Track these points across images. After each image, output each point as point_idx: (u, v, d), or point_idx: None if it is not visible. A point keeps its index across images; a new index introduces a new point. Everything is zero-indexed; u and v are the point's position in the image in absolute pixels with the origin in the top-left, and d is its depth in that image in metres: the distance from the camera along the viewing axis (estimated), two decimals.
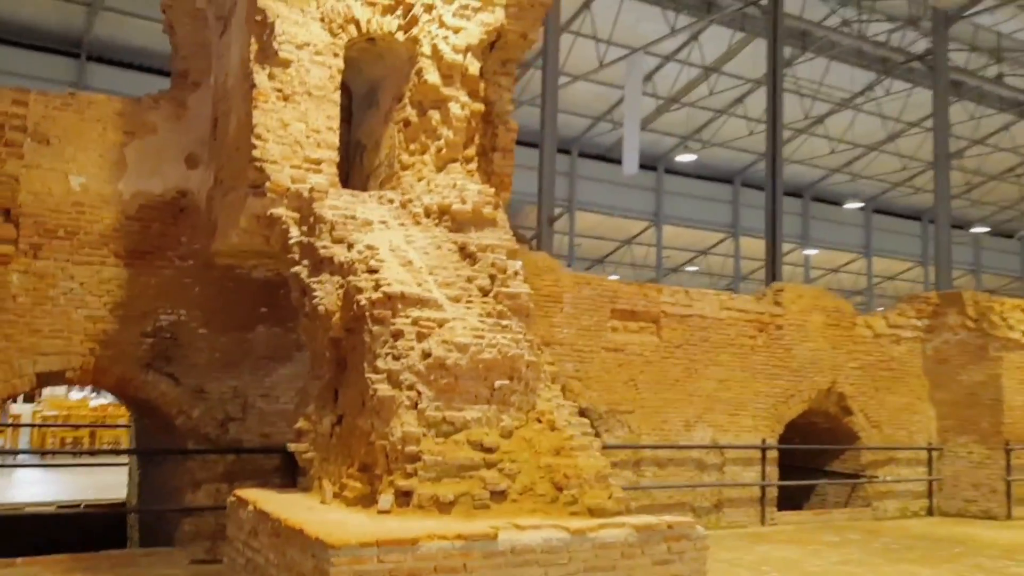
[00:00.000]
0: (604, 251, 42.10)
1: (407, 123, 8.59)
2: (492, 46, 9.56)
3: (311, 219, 7.71)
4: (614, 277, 41.87)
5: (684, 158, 36.05)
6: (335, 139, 8.15)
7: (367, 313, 7.10)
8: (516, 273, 7.92)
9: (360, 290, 7.22)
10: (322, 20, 8.20)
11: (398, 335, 7.02)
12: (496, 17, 8.76)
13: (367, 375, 6.97)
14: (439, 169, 8.49)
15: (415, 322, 7.10)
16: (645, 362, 11.75)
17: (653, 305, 11.91)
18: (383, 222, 7.98)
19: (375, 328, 7.06)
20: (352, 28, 8.37)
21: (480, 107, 8.72)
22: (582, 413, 11.13)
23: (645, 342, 11.81)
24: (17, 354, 8.09)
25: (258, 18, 8.00)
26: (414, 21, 8.51)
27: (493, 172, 9.68)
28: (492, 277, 7.80)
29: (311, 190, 7.77)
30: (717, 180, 40.35)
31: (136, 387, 8.76)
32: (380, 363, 6.97)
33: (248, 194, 7.83)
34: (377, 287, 7.15)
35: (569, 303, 11.25)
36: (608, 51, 31.76)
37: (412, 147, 8.54)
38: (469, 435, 6.90)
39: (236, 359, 9.05)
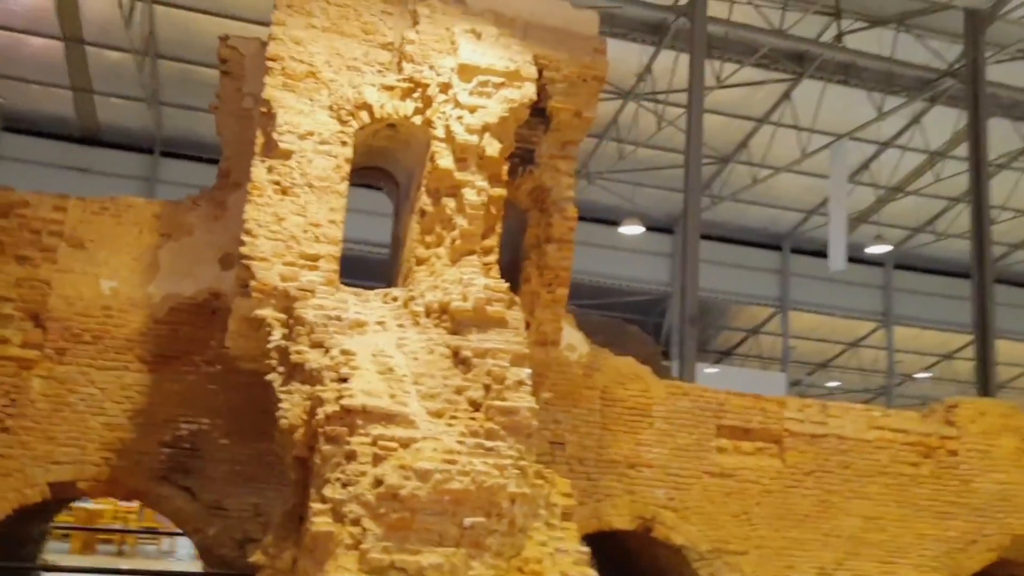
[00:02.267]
0: (826, 354, 38.31)
1: (423, 213, 7.74)
2: (546, 128, 8.59)
3: (291, 321, 6.98)
4: (835, 383, 37.86)
5: (876, 249, 31.98)
6: (337, 233, 7.45)
7: (320, 429, 6.15)
8: (519, 383, 6.66)
9: (322, 402, 6.31)
10: (331, 108, 7.66)
11: (351, 457, 6.00)
12: (524, 93, 7.78)
13: (311, 504, 5.97)
14: (454, 262, 7.50)
15: (374, 441, 6.05)
16: (763, 491, 9.71)
17: (774, 421, 9.92)
18: (380, 323, 7.08)
19: (326, 448, 6.09)
20: (364, 114, 7.74)
21: (501, 192, 7.69)
22: (676, 552, 9.34)
23: (763, 467, 9.80)
24: (31, 462, 7.96)
25: (263, 110, 7.60)
26: (428, 102, 7.74)
27: (547, 266, 8.54)
28: (487, 388, 6.59)
29: (298, 289, 7.07)
30: (955, 275, 35.73)
31: (151, 500, 8.35)
32: (327, 490, 5.97)
33: (237, 294, 7.27)
34: (339, 399, 6.20)
35: (661, 417, 9.61)
36: (812, 139, 29.46)
37: (428, 239, 7.65)
38: None
39: (258, 473, 8.40)
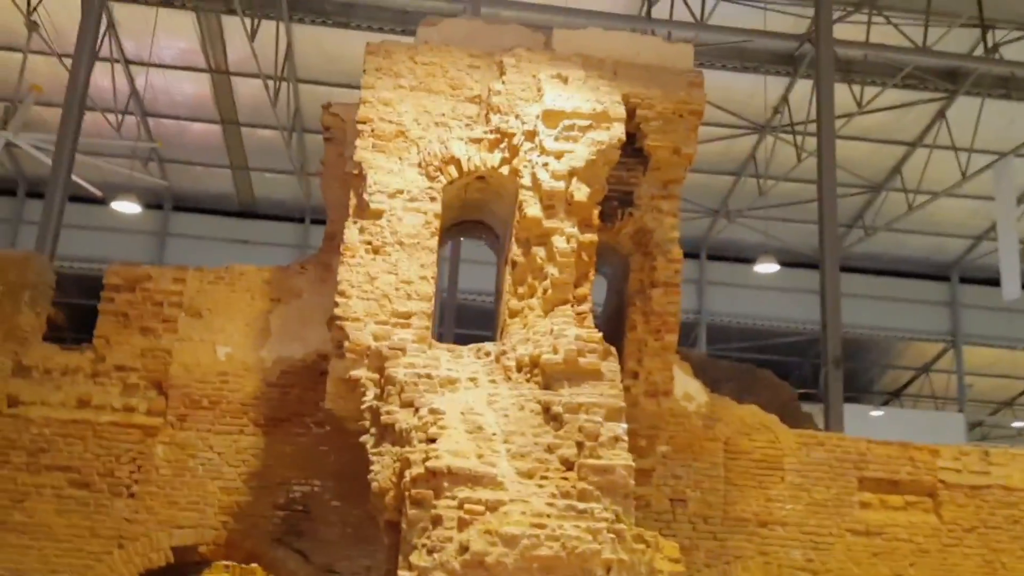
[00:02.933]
0: (1009, 392, 35.01)
1: (514, 264, 7.56)
2: (645, 168, 8.28)
3: (383, 380, 6.91)
4: (1019, 424, 34.34)
5: None
6: (429, 289, 7.37)
7: (407, 492, 5.99)
8: (615, 439, 6.28)
9: (410, 463, 6.16)
10: (419, 165, 7.65)
11: (437, 521, 5.79)
12: (612, 134, 7.50)
13: (399, 571, 5.79)
14: (547, 313, 7.25)
15: (460, 504, 5.82)
16: (917, 551, 8.71)
17: (926, 472, 8.92)
18: (472, 379, 6.91)
19: (412, 512, 5.92)
20: (452, 169, 7.69)
21: (592, 238, 7.39)
22: None
23: (916, 523, 8.80)
24: (155, 527, 8.22)
25: (355, 172, 7.69)
26: (515, 151, 7.60)
27: (652, 311, 8.15)
28: (579, 445, 6.24)
29: (389, 348, 7.01)
30: None
31: (266, 564, 8.42)
32: (414, 557, 5.78)
33: (333, 355, 7.29)
34: (425, 460, 6.03)
35: (794, 470, 8.84)
36: (973, 159, 27.42)
37: (520, 290, 7.44)
38: None
39: (370, 535, 8.30)
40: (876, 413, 30.79)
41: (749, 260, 30.63)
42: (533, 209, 7.40)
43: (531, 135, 7.60)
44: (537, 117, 7.59)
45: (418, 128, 7.74)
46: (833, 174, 15.83)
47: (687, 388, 8.90)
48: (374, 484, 6.45)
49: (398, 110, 7.77)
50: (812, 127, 26.46)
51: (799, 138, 27.06)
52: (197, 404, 8.57)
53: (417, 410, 6.51)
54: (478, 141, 7.76)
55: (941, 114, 26.18)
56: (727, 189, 28.79)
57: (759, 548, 8.60)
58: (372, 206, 7.47)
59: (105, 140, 24.45)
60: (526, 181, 7.49)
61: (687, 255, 33.60)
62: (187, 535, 8.25)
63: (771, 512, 8.73)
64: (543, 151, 7.49)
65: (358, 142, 7.67)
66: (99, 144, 24.13)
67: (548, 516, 5.75)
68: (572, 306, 7.19)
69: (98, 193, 24.83)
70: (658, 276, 8.16)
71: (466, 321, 23.51)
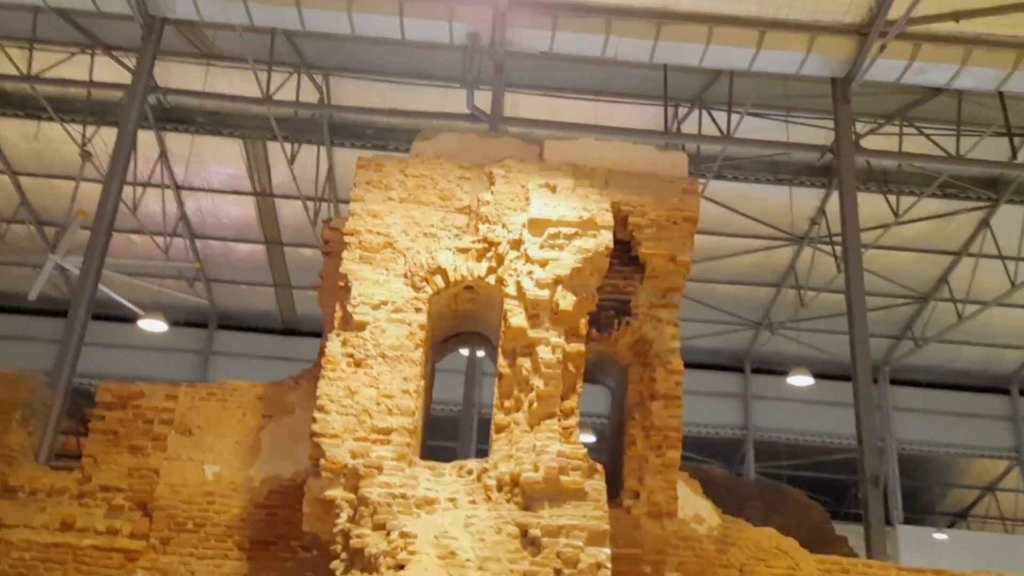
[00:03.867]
0: None
1: (500, 376, 7.27)
2: (642, 277, 8.05)
3: (357, 501, 6.57)
4: None
5: None
6: (411, 403, 7.10)
7: None
8: (597, 566, 5.84)
9: None
10: (405, 276, 7.53)
11: None
12: (599, 242, 7.32)
13: None
14: (533, 427, 6.90)
15: None
16: None
17: None
18: (452, 499, 6.54)
19: None
20: (438, 279, 7.55)
21: (579, 348, 7.10)
22: None
23: None
24: None
25: (341, 284, 7.59)
26: (501, 260, 7.44)
27: (652, 426, 7.74)
28: (557, 573, 5.78)
29: (365, 466, 6.70)
30: None
31: None
32: None
33: (311, 474, 7.00)
34: None
35: None
36: (1020, 267, 26.62)
37: (507, 404, 7.14)
38: None
39: None
40: (940, 536, 28.98)
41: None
42: (518, 319, 7.18)
43: (517, 244, 7.47)
44: (523, 226, 7.47)
45: (406, 239, 7.67)
46: (861, 283, 15.39)
47: (697, 509, 8.35)
48: None
49: (386, 221, 7.73)
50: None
51: (838, 248, 26.68)
52: (182, 526, 8.28)
53: (388, 533, 6.15)
54: (465, 251, 7.64)
55: (985, 222, 25.65)
56: (768, 301, 28.29)
57: None
58: (356, 318, 7.33)
59: (147, 260, 25.20)
60: (511, 290, 7.31)
61: (731, 369, 32.86)
62: None
63: None
64: (528, 259, 7.33)
65: (345, 254, 7.61)
66: (147, 265, 24.89)
67: None
68: (559, 420, 6.84)
69: (140, 312, 25.38)
70: (658, 388, 7.79)
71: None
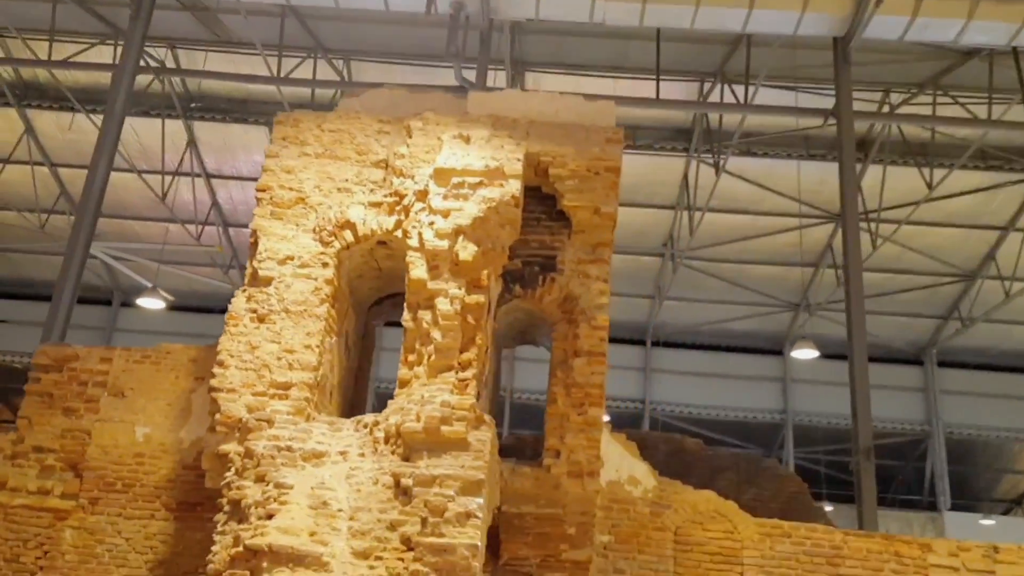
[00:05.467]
0: None
1: (406, 331, 7.07)
2: (571, 232, 7.77)
3: (244, 454, 6.46)
4: None
5: None
6: (313, 358, 6.97)
7: (225, 573, 5.45)
8: (467, 515, 5.63)
9: (238, 542, 5.64)
10: (314, 231, 7.38)
11: None
12: (505, 191, 7.06)
13: None
14: (431, 380, 6.68)
15: None
16: None
17: (915, 570, 7.63)
18: (342, 453, 6.38)
19: None
20: (347, 234, 7.38)
21: (479, 300, 6.85)
22: None
23: None
24: None
25: (252, 240, 7.48)
26: (406, 212, 7.23)
27: (574, 383, 7.46)
28: (423, 521, 5.58)
29: (256, 420, 6.59)
30: None
31: None
32: None
33: (208, 430, 6.93)
34: (250, 538, 5.51)
35: (755, 565, 7.74)
36: None
37: (410, 358, 6.94)
38: None
39: None
40: (986, 522, 27.78)
41: (835, 356, 28.76)
42: (418, 271, 6.97)
43: (422, 195, 7.26)
44: (429, 176, 7.26)
45: (319, 194, 7.53)
46: (858, 253, 14.69)
47: (633, 471, 8.05)
48: (210, 567, 5.93)
49: (299, 177, 7.60)
50: (887, 214, 25.21)
51: (875, 224, 25.71)
52: (111, 487, 8.31)
53: (267, 485, 6.03)
54: (377, 205, 7.47)
55: None
56: (806, 281, 27.43)
57: None
58: (261, 273, 7.22)
59: (175, 246, 25.63)
60: (414, 242, 7.10)
61: (769, 352, 31.84)
62: None
63: None
64: (432, 210, 7.11)
65: (256, 210, 7.51)
66: (177, 251, 25.32)
67: None
68: (456, 372, 6.62)
69: (170, 298, 25.83)
70: (581, 345, 7.50)
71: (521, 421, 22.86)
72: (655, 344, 29.88)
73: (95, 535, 8.17)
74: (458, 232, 6.98)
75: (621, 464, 8.03)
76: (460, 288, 6.82)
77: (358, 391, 7.94)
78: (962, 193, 24.33)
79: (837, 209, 25.48)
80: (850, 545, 7.79)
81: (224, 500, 6.48)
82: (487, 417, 6.35)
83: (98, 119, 21.32)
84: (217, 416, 6.82)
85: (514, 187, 7.15)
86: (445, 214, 7.05)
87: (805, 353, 23.62)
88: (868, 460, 11.96)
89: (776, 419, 30.11)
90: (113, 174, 23.73)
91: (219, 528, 6.24)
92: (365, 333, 8.48)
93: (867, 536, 7.89)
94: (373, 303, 8.27)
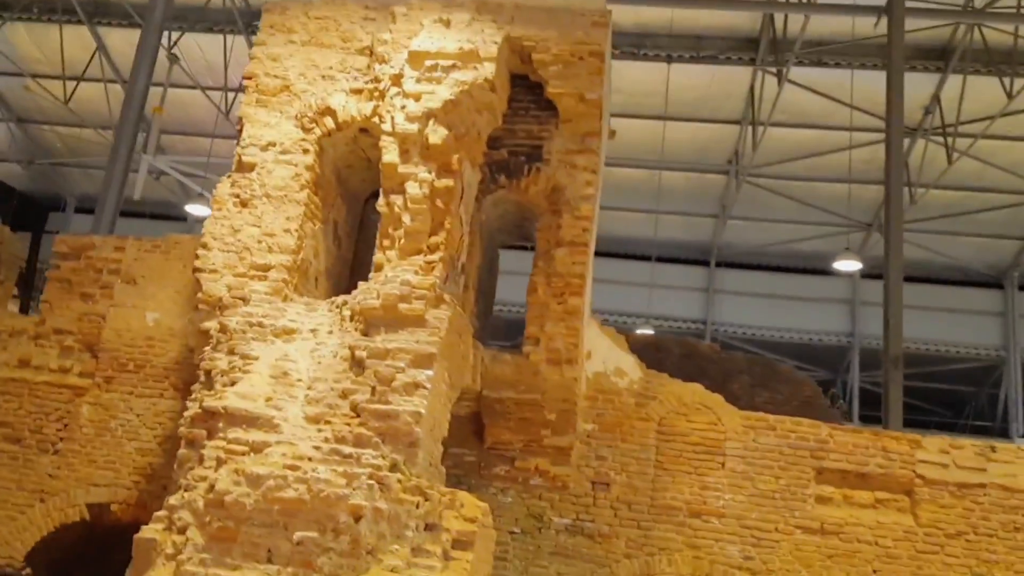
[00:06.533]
0: None
1: (380, 216, 7.15)
2: (557, 124, 7.68)
3: (219, 330, 6.73)
4: None
5: None
6: (292, 242, 7.14)
7: (184, 431, 5.76)
8: (414, 385, 5.77)
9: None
10: (296, 118, 7.47)
11: (200, 461, 5.52)
12: (479, 74, 6.96)
13: (158, 512, 5.55)
14: (401, 264, 6.77)
15: (228, 445, 5.51)
16: (884, 556, 7.27)
17: (902, 465, 7.47)
18: (313, 330, 6.58)
19: (182, 452, 5.70)
20: (327, 120, 7.44)
21: (449, 184, 6.84)
22: None
23: (885, 524, 7.36)
24: (74, 483, 8.43)
25: (238, 128, 7.63)
26: (382, 97, 7.23)
27: (556, 273, 7.45)
28: (372, 390, 5.75)
29: (233, 298, 6.83)
30: None
31: None
32: (172, 496, 5.50)
33: (192, 308, 7.22)
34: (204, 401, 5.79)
35: (737, 456, 7.70)
36: None
37: (385, 243, 7.02)
38: None
39: None
40: None
41: (917, 279, 27.71)
42: (390, 155, 6.99)
43: (397, 79, 7.24)
44: (405, 61, 7.22)
45: (303, 82, 7.59)
46: (900, 171, 13.94)
47: (620, 363, 8.06)
48: (181, 430, 6.26)
49: (285, 65, 7.66)
50: (964, 128, 23.91)
51: (951, 140, 24.42)
52: (124, 367, 8.78)
53: (235, 357, 6.29)
54: (359, 92, 7.49)
55: None
56: (879, 201, 26.38)
57: (689, 540, 7.56)
58: (244, 159, 7.38)
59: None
60: (387, 126, 7.12)
61: (838, 274, 30.57)
62: (102, 493, 8.42)
63: (706, 501, 7.66)
64: (404, 94, 7.10)
65: (243, 98, 7.63)
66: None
67: (308, 459, 5.31)
68: (424, 255, 6.69)
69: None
70: (564, 235, 7.46)
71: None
72: (718, 265, 29.39)
73: (109, 411, 8.69)
74: (429, 116, 6.95)
75: (608, 356, 8.05)
76: (430, 172, 6.84)
77: (353, 281, 8.11)
78: None
79: (914, 122, 24.29)
80: (836, 439, 7.67)
81: (200, 371, 6.78)
82: (448, 298, 6.42)
83: (166, 36, 21.76)
84: (199, 295, 7.09)
85: (488, 70, 7.06)
86: (416, 97, 7.03)
87: (847, 265, 22.76)
88: (896, 369, 11.62)
89: (843, 342, 29.42)
90: (180, 91, 24.17)
91: (192, 396, 6.56)
92: (362, 225, 8.60)
93: (854, 431, 7.75)
94: (370, 195, 8.37)
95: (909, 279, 29.86)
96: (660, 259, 29.37)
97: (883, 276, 13.12)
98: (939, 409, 27.68)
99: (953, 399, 28.80)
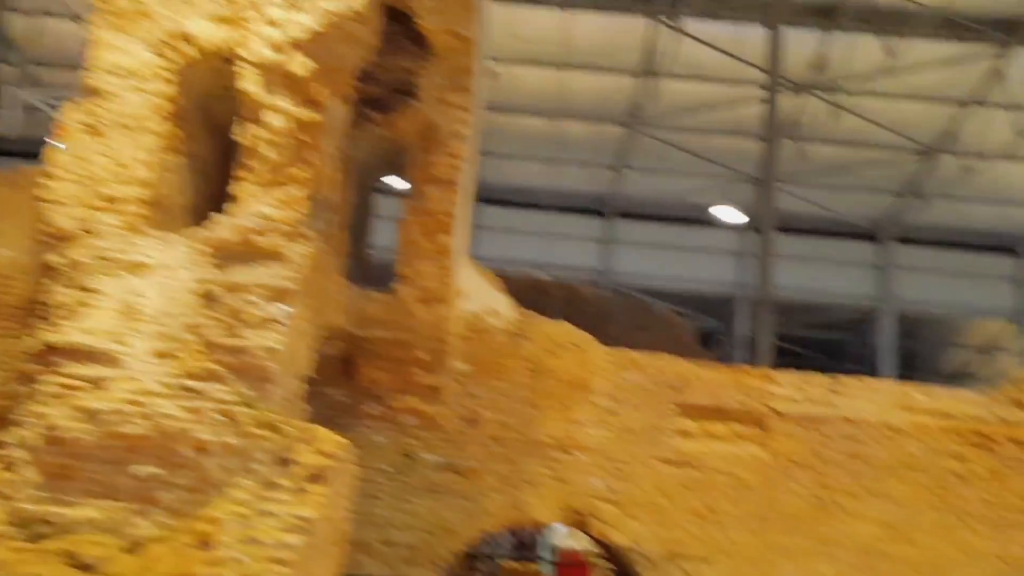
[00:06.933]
0: None
1: (241, 147, 6.93)
2: (430, 60, 7.54)
3: (65, 264, 6.43)
4: None
5: None
6: (146, 174, 6.83)
7: (20, 368, 5.51)
8: (268, 321, 5.63)
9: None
10: (153, 43, 7.11)
11: (36, 397, 5.28)
12: (350, 4, 6.74)
13: None
14: (261, 197, 6.59)
15: (67, 380, 5.29)
16: (738, 486, 7.62)
17: (758, 399, 7.81)
18: (168, 266, 6.33)
19: (18, 388, 5.42)
20: (185, 46, 7.11)
21: (313, 116, 6.66)
22: (613, 552, 7.62)
23: (740, 455, 7.70)
24: None
25: (89, 51, 7.23)
26: (245, 24, 6.96)
27: (426, 210, 7.39)
28: (225, 325, 5.61)
29: (81, 230, 6.53)
30: None
31: None
32: (9, 434, 5.27)
33: (35, 241, 6.87)
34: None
35: (604, 392, 7.90)
36: None
37: (244, 175, 6.80)
38: (70, 543, 4.77)
39: None
40: None
41: (799, 231, 28.70)
42: (250, 84, 6.76)
43: (261, 7, 6.96)
44: None
45: (161, 6, 7.21)
46: (778, 116, 14.35)
47: (493, 303, 8.10)
48: (18, 365, 6.00)
49: None
50: (857, 86, 24.64)
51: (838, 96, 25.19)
52: None
53: (77, 291, 6.03)
54: (222, 19, 7.15)
55: (997, 70, 23.83)
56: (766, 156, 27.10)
57: (557, 474, 7.74)
58: (94, 85, 7.00)
59: None
60: (248, 55, 6.86)
61: (728, 227, 31.34)
62: None
63: (574, 437, 7.84)
64: (269, 22, 6.84)
65: (94, 20, 7.22)
66: None
67: (151, 395, 5.16)
68: (284, 188, 6.52)
69: None
70: (435, 173, 7.40)
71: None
72: (615, 215, 29.81)
73: None
74: (294, 45, 6.72)
75: (483, 296, 8.07)
76: (293, 104, 6.64)
77: None
78: (926, 65, 23.76)
79: (799, 79, 24.93)
80: (698, 376, 7.93)
81: (42, 306, 6.48)
82: (312, 234, 6.30)
83: None
84: (42, 226, 6.75)
85: (359, 1, 6.85)
86: (281, 26, 6.78)
87: (722, 211, 23.34)
88: (766, 314, 12.03)
89: (732, 292, 30.33)
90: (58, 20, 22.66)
91: (32, 332, 6.27)
92: (231, 161, 8.31)
93: (714, 367, 8.03)
94: None
95: (793, 231, 31.03)
96: (557, 208, 29.63)
97: (762, 241, 13.56)
98: (819, 356, 28.99)
99: (832, 346, 30.21)
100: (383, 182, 8.94)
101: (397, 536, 7.44)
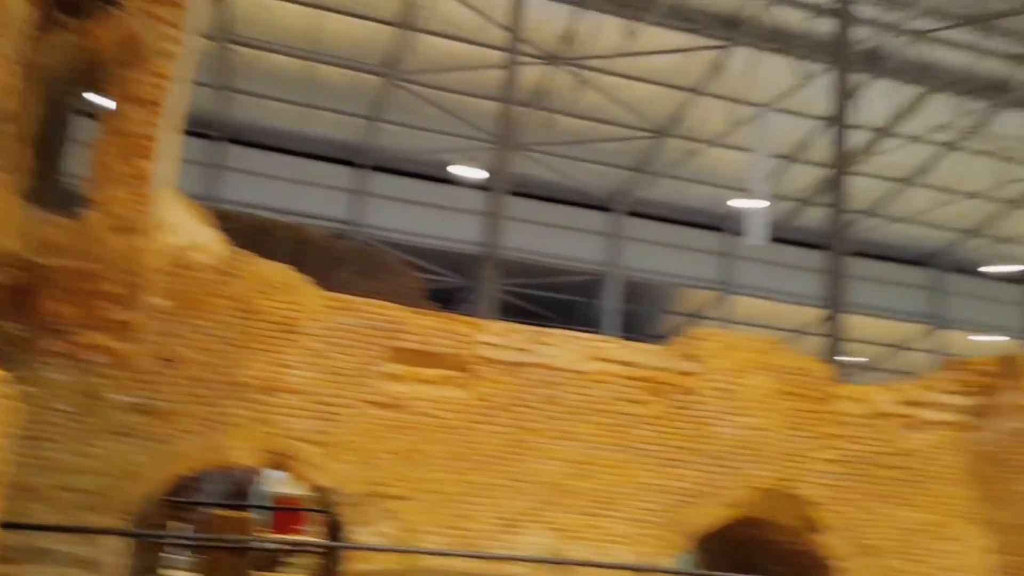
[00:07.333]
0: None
1: None
2: None
3: None
4: None
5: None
6: None
7: None
8: None
9: None
10: None
11: None
12: None
13: None
14: None
15: None
16: (439, 427, 7.88)
17: (465, 345, 8.10)
18: None
19: None
20: None
21: None
22: (321, 493, 7.63)
23: (444, 398, 7.97)
24: None
25: None
26: None
27: (123, 132, 6.85)
28: None
29: None
30: (903, 261, 33.69)
31: None
32: None
33: None
34: None
35: (314, 335, 7.82)
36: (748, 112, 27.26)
37: None
38: None
39: None
40: None
41: (539, 197, 29.90)
42: None
43: None
44: None
45: None
46: (516, 83, 14.84)
47: (199, 238, 7.70)
48: None
49: None
50: (600, 63, 25.91)
51: (585, 72, 26.41)
52: None
53: None
54: None
55: (719, 63, 26.06)
56: (522, 120, 27.85)
57: (261, 416, 7.55)
58: None
59: None
60: None
61: (474, 187, 32.06)
62: None
63: (281, 379, 7.68)
64: None
65: None
66: None
67: None
68: None
69: None
70: (136, 91, 6.87)
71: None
72: (368, 167, 29.46)
73: None
74: None
75: (189, 231, 7.65)
76: None
77: None
78: (659, 52, 25.52)
79: (547, 50, 25.83)
80: (410, 321, 8.05)
81: None
82: None
83: None
84: None
85: None
86: None
87: (462, 170, 24.04)
88: (491, 271, 12.47)
89: (479, 251, 31.26)
90: None
91: None
92: None
93: (427, 314, 8.20)
94: None
95: (536, 197, 32.25)
96: (307, 155, 28.84)
97: (496, 204, 14.00)
98: (553, 316, 30.56)
99: (563, 306, 32.01)
100: (88, 102, 8.17)
101: (77, 481, 6.93)
